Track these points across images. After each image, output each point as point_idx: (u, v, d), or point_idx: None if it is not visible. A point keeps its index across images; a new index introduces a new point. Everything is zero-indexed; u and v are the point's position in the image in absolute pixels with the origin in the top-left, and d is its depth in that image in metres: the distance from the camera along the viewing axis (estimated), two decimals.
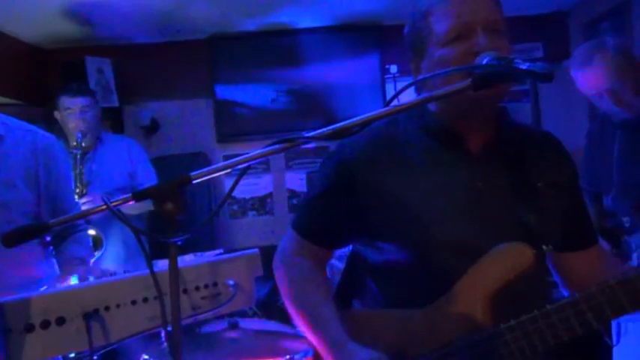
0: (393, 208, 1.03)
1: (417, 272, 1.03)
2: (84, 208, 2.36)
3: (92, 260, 2.05)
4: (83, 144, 2.58)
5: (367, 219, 1.06)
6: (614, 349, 2.00)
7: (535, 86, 4.14)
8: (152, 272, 0.88)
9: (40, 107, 3.72)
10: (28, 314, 0.93)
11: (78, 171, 2.55)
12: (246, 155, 0.86)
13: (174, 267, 0.82)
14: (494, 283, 0.96)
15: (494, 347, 0.92)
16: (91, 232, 2.50)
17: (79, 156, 2.56)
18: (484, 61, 0.88)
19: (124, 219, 0.83)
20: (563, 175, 1.10)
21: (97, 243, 2.58)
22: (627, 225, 2.02)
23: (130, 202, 0.83)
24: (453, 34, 0.98)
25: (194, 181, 0.84)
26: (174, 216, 0.83)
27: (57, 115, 2.71)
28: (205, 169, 0.85)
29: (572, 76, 1.96)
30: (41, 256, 1.67)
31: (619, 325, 1.92)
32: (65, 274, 1.60)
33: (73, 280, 1.55)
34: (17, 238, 0.84)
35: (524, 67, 0.80)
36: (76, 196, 2.46)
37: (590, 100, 1.99)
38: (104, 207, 0.82)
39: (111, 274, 1.74)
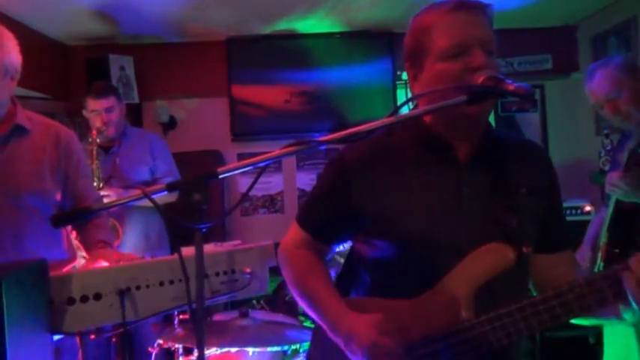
0: (384, 210, 1.13)
1: (404, 267, 1.13)
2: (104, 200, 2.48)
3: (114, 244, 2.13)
4: (98, 140, 2.73)
5: (361, 219, 1.16)
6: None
7: (543, 97, 4.23)
8: (180, 256, 0.99)
9: (62, 101, 3.88)
10: (70, 289, 1.05)
11: (94, 166, 2.67)
12: (265, 155, 0.97)
13: (199, 249, 0.93)
14: (477, 280, 1.05)
15: (474, 336, 1.02)
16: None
17: (94, 151, 2.69)
18: (480, 80, 1.00)
19: (158, 207, 0.94)
20: (542, 180, 1.18)
21: (114, 233, 2.71)
22: None
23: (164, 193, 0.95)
24: (453, 50, 1.06)
25: (220, 176, 0.96)
26: (200, 206, 0.94)
27: (85, 113, 2.87)
28: (230, 166, 0.97)
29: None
30: (63, 239, 1.78)
31: None
32: (93, 257, 1.63)
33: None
34: (65, 219, 0.97)
35: (512, 87, 0.93)
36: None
37: (597, 111, 2.18)
38: (141, 194, 0.94)
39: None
